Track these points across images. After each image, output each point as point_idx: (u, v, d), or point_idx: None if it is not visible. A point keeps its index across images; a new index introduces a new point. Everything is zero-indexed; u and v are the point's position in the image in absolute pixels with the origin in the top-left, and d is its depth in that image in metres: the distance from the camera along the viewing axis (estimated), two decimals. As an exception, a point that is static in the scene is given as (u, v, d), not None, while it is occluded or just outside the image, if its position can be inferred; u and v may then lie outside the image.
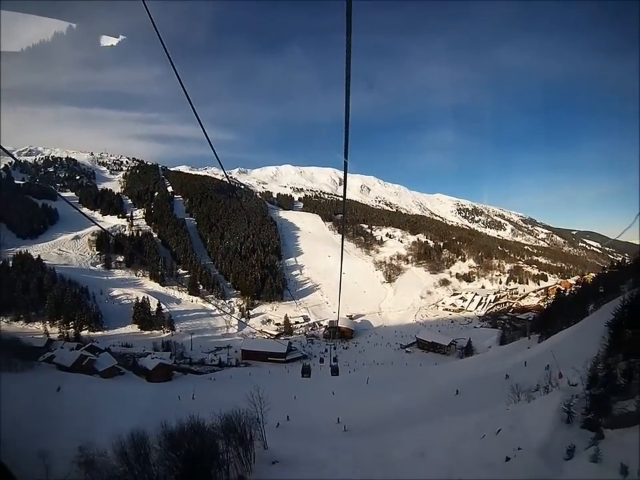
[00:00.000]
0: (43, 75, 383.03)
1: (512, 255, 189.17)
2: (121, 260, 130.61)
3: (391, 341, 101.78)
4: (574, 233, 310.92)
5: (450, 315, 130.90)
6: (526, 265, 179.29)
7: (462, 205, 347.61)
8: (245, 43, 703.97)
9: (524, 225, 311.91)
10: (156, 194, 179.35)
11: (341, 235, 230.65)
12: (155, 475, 15.70)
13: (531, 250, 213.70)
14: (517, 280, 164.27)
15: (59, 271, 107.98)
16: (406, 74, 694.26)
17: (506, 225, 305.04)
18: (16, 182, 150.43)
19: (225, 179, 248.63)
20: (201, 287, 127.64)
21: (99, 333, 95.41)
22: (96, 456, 15.78)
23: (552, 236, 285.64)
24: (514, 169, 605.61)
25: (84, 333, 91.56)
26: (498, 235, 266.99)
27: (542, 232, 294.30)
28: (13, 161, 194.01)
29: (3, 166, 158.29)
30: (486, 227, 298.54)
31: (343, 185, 5.03)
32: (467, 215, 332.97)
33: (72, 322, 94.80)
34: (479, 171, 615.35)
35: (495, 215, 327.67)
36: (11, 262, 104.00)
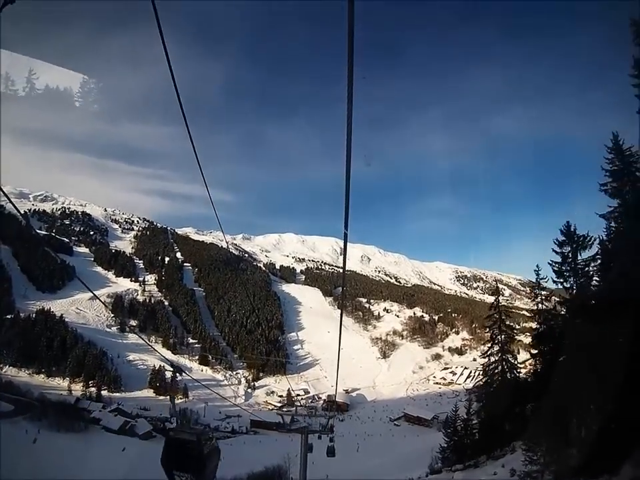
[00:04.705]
0: (59, 121, 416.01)
1: (507, 323, 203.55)
2: (135, 324, 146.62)
3: (382, 414, 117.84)
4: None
5: (439, 388, 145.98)
6: (519, 334, 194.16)
7: (460, 272, 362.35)
8: (253, 110, 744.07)
9: (522, 288, 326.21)
10: (167, 259, 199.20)
11: (340, 310, 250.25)
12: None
13: (527, 315, 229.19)
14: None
15: (78, 330, 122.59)
16: (404, 143, 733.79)
17: (504, 289, 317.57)
18: (35, 232, 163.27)
19: (230, 248, 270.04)
20: (210, 357, 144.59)
21: (117, 394, 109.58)
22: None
23: (550, 297, 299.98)
24: (510, 232, 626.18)
25: (103, 392, 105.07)
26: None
27: (541, 294, 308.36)
28: (31, 208, 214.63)
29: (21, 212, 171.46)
30: (484, 293, 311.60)
31: (343, 254, 5.21)
32: (466, 282, 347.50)
33: (92, 381, 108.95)
34: (476, 237, 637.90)
35: (493, 280, 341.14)
36: (33, 315, 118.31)
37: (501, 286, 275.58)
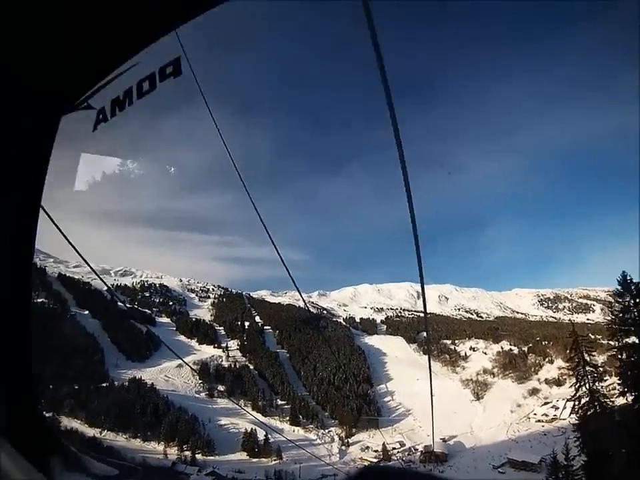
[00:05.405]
0: (129, 202, 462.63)
1: (604, 341, 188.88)
2: (222, 389, 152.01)
3: (484, 461, 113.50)
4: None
5: (542, 426, 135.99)
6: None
7: (542, 295, 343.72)
8: (306, 166, 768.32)
9: (613, 299, 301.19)
10: (247, 324, 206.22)
11: (427, 356, 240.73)
12: None
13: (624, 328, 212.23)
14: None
15: (169, 397, 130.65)
16: (461, 179, 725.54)
17: (593, 305, 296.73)
18: (124, 304, 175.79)
19: (307, 307, 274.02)
20: (301, 417, 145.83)
21: (211, 457, 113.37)
22: None
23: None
24: (587, 243, 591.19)
25: (198, 456, 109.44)
26: (587, 319, 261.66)
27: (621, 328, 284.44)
28: (113, 283, 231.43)
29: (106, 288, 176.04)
30: (572, 313, 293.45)
31: (422, 300, 5.95)
32: (550, 305, 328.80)
33: (186, 445, 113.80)
34: (552, 256, 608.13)
35: (580, 298, 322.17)
36: (126, 383, 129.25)
37: (589, 302, 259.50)
